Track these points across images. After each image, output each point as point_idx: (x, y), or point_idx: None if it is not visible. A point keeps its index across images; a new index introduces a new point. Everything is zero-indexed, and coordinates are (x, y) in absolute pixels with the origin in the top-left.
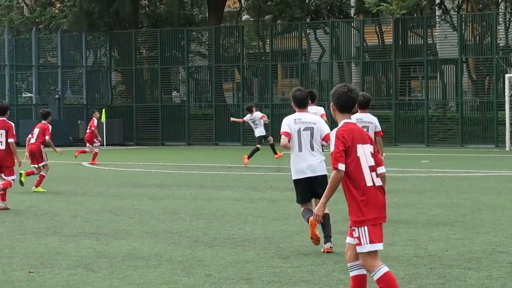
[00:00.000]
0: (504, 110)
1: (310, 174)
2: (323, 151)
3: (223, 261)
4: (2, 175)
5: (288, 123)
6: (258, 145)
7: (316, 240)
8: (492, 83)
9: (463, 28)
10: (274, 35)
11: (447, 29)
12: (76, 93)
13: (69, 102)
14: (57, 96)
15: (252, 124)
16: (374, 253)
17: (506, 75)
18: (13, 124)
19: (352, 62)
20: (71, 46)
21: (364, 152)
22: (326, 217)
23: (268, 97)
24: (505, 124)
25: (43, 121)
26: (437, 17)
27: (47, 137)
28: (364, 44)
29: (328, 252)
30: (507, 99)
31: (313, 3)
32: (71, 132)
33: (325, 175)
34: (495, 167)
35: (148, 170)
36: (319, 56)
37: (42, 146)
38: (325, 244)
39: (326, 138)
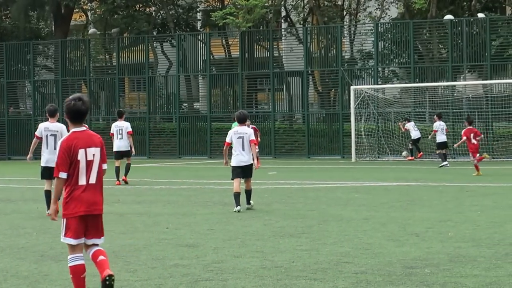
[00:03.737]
0: (350, 121)
1: None
2: None
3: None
4: None
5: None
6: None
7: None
8: (337, 95)
9: (309, 40)
10: (121, 48)
11: (293, 41)
12: None
13: None
14: None
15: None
16: None
17: (351, 87)
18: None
19: (199, 75)
20: None
21: None
22: None
23: (115, 111)
24: (350, 135)
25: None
26: (283, 30)
27: None
28: (211, 57)
29: None
30: (352, 110)
31: (160, 17)
32: None
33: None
34: (342, 178)
35: None
36: (166, 69)
37: None
38: None
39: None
